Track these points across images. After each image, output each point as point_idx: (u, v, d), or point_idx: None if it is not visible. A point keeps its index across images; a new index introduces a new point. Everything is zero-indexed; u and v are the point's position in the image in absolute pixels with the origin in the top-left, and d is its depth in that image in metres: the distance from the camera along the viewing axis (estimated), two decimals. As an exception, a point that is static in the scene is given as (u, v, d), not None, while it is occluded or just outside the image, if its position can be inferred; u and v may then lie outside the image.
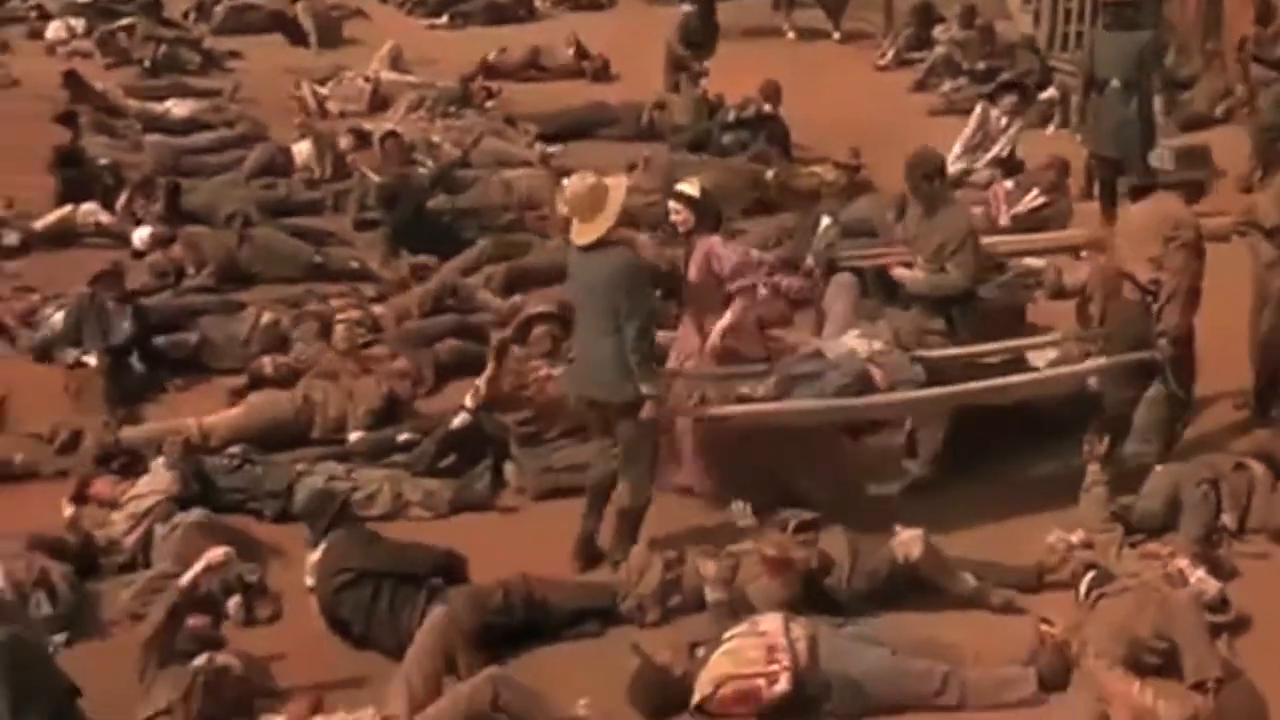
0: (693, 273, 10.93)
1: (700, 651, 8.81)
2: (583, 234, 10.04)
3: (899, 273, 12.02)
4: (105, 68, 23.95)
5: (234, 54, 25.08)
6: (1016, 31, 23.51)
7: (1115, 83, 15.83)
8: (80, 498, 10.83)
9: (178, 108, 21.02)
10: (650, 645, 9.05)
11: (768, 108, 18.93)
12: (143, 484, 10.81)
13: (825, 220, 14.67)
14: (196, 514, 10.32)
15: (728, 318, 10.91)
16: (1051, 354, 12.20)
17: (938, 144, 17.37)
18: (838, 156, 17.41)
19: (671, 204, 11.26)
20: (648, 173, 16.62)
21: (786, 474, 10.64)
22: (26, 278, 15.43)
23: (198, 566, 9.04)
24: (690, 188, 11.17)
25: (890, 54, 24.29)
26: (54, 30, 26.28)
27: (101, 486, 11.02)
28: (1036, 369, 11.93)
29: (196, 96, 21.74)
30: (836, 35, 26.10)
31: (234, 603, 9.67)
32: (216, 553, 9.15)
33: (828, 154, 18.30)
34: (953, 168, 17.60)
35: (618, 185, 10.22)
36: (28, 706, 7.79)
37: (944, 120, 20.37)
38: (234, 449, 11.40)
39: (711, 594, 9.42)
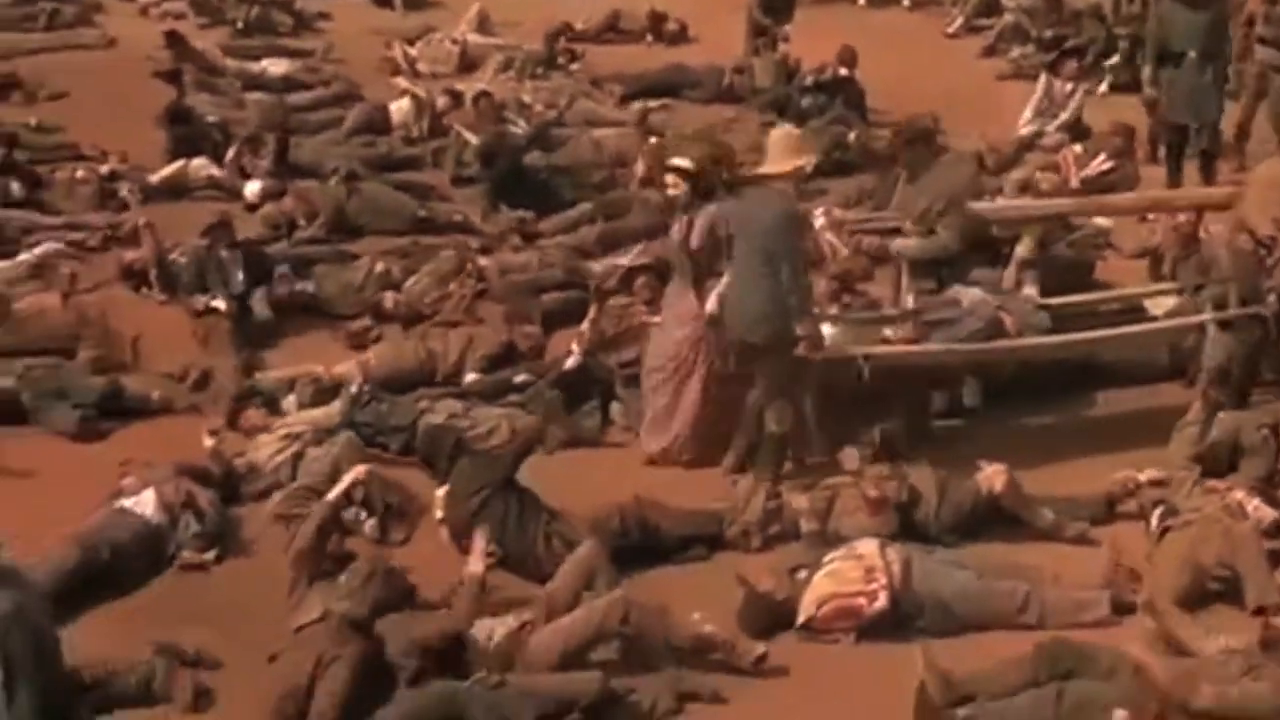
0: (695, 240, 11.51)
1: (802, 575, 9.62)
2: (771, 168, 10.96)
3: (892, 243, 12.53)
4: (199, 28, 24.64)
5: (323, 15, 25.76)
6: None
7: (1191, 54, 16.47)
8: (231, 426, 11.72)
9: (274, 67, 21.78)
10: (752, 570, 9.86)
11: (844, 72, 19.63)
12: (292, 415, 11.68)
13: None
14: (347, 435, 11.12)
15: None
16: (1168, 303, 12.86)
17: (1006, 109, 18.28)
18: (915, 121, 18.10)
19: (668, 177, 12.00)
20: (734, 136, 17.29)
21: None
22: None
23: (346, 480, 9.93)
24: (685, 161, 11.78)
25: (959, 21, 24.89)
26: (141, -12, 27.07)
27: (254, 416, 11.87)
28: (1155, 318, 12.64)
29: (290, 56, 22.51)
30: (906, 2, 26.70)
31: (371, 523, 10.48)
32: (360, 469, 10.01)
33: (902, 117, 18.98)
34: (1023, 131, 18.45)
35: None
36: (19, 682, 8.13)
37: (1012, 85, 21.02)
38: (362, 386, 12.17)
39: (806, 525, 10.26)
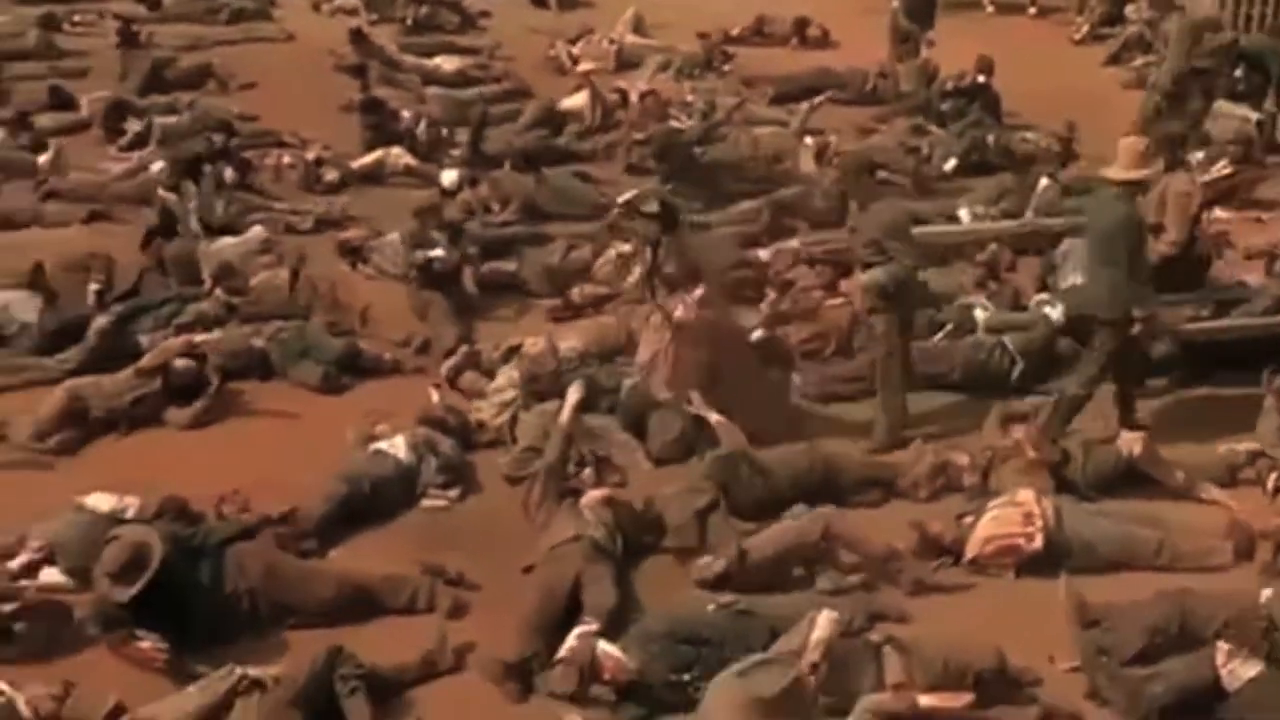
0: (669, 266, 13.00)
1: (968, 520, 11.20)
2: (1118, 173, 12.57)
3: (859, 278, 13.32)
4: (369, 24, 26.30)
5: (484, 14, 27.47)
6: (1203, 12, 25.28)
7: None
8: (451, 388, 13.41)
9: (446, 63, 23.50)
10: (920, 516, 11.46)
11: (981, 79, 21.11)
12: (501, 380, 13.33)
13: (1044, 181, 16.98)
14: (555, 404, 12.76)
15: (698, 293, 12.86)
16: None
17: (1130, 114, 19.65)
18: (1047, 124, 19.62)
19: (640, 224, 13.71)
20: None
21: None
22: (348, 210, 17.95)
23: (563, 435, 11.60)
24: (649, 205, 13.51)
25: (1085, 29, 26.31)
26: (318, -13, 28.86)
27: (471, 379, 13.54)
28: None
29: (460, 53, 24.20)
30: (1033, 10, 28.14)
31: (587, 472, 12.09)
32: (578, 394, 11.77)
33: (1034, 121, 20.54)
34: (1150, 137, 19.85)
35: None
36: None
37: (1136, 93, 22.31)
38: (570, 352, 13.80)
39: (969, 479, 11.87)
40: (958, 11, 27.27)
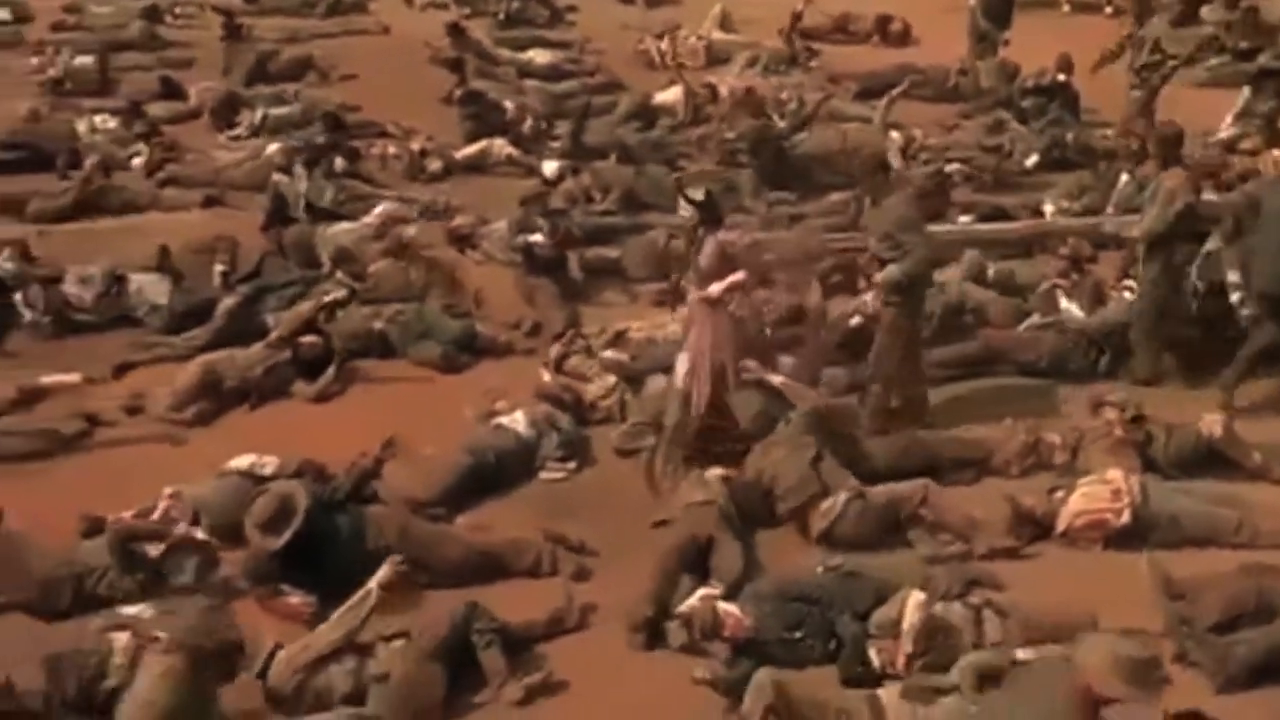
0: (704, 260, 13.09)
1: (1059, 495, 11.88)
2: None
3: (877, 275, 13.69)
4: (461, 18, 27.02)
5: (571, 9, 28.20)
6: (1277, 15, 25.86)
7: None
8: (559, 370, 14.16)
9: (539, 57, 24.24)
10: (1014, 490, 12.15)
11: (1061, 77, 21.70)
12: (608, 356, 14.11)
13: (1124, 177, 17.63)
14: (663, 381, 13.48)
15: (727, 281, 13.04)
16: None
17: (1203, 114, 20.24)
18: (1123, 123, 20.25)
19: (682, 204, 14.22)
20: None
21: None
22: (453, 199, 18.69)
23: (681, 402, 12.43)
24: (696, 192, 13.60)
25: (1159, 29, 26.77)
26: (410, -20, 29.66)
27: (576, 362, 14.29)
28: None
29: (552, 47, 24.94)
30: (1108, 9, 28.61)
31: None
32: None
33: (1111, 119, 21.13)
34: (1224, 134, 20.47)
35: None
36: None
37: (1210, 92, 22.93)
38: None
39: (1059, 457, 12.57)
40: (1035, 10, 27.71)
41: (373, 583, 10.20)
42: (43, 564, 11.07)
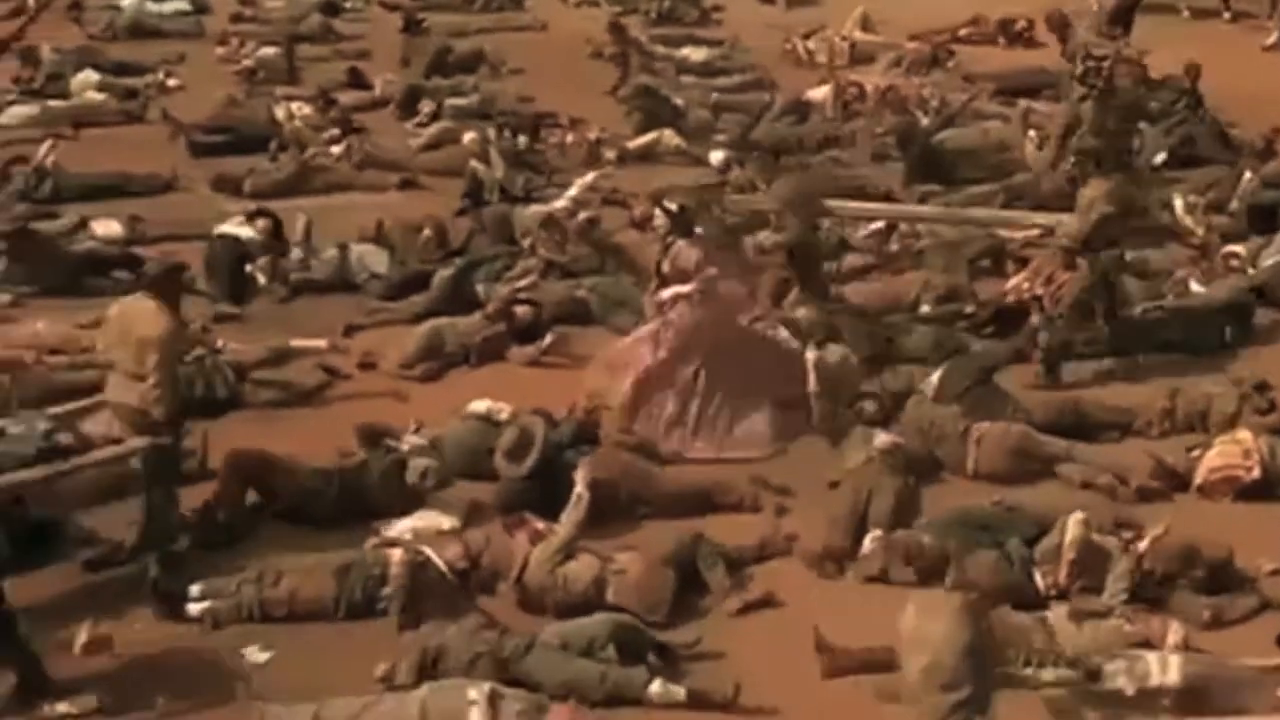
0: (666, 266, 14.86)
1: (1195, 453, 13.53)
2: None
3: None
4: (613, 14, 28.75)
5: (717, 8, 29.91)
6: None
7: None
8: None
9: (694, 54, 25.96)
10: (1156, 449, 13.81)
11: (1189, 80, 23.18)
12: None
13: (1248, 174, 19.20)
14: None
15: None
16: None
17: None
18: (1246, 124, 21.76)
19: (656, 211, 15.73)
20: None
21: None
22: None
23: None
24: (671, 203, 15.42)
25: (1276, 35, 28.16)
26: (562, -22, 31.49)
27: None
28: None
29: (705, 45, 26.65)
30: (1227, 15, 29.98)
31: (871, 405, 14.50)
32: None
33: (1233, 121, 22.64)
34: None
35: None
36: None
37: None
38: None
39: (1193, 420, 14.22)
40: (1154, 14, 28.84)
41: (580, 487, 11.95)
42: (306, 478, 12.98)
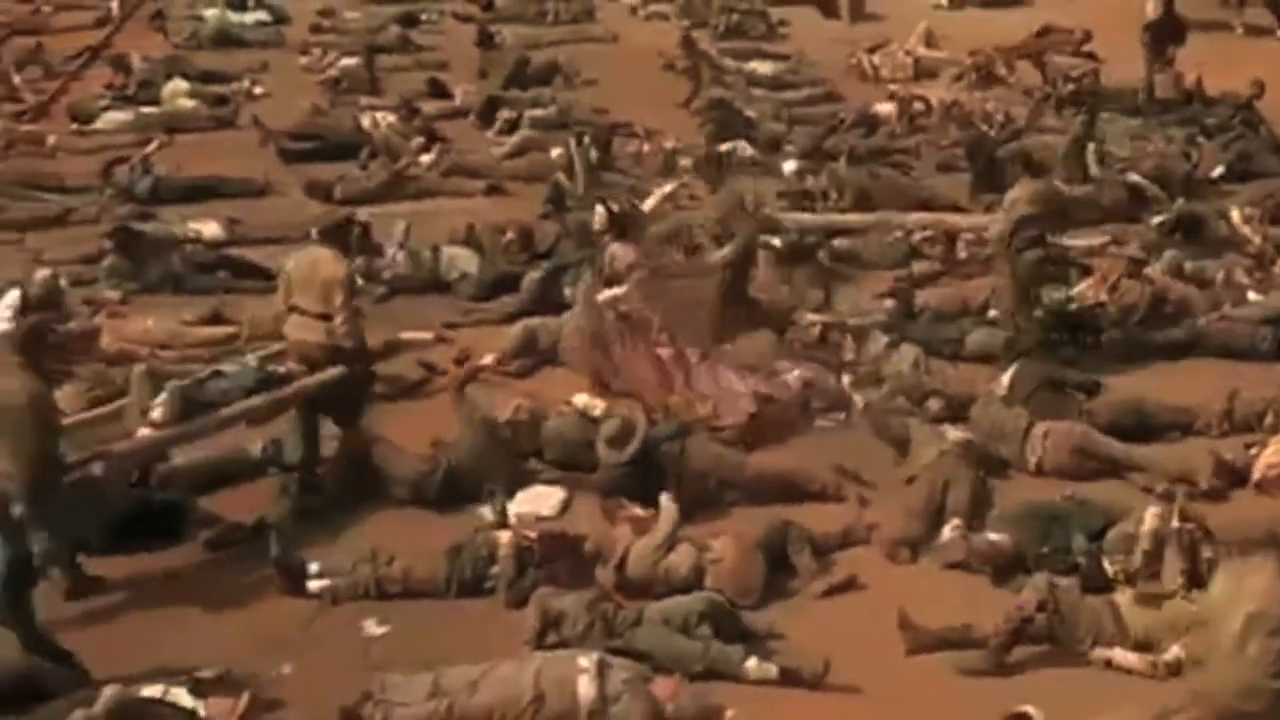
0: (606, 265, 16.12)
1: (1253, 450, 14.25)
2: None
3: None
4: (680, 28, 29.60)
5: (783, 23, 30.71)
6: None
7: None
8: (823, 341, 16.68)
9: (762, 67, 26.77)
10: (1217, 447, 14.51)
11: (1248, 96, 23.87)
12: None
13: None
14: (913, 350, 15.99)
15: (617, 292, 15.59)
16: None
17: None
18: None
19: (598, 209, 16.82)
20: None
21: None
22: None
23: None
24: (614, 204, 16.67)
25: (1329, 52, 28.87)
26: (630, -9, 32.40)
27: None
28: None
29: (773, 59, 27.46)
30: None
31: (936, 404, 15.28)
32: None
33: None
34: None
35: None
36: None
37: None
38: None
39: (1251, 421, 14.92)
40: (1208, 32, 29.64)
41: (666, 500, 12.76)
42: (414, 465, 13.80)
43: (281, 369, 13.59)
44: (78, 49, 29.01)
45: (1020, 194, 16.39)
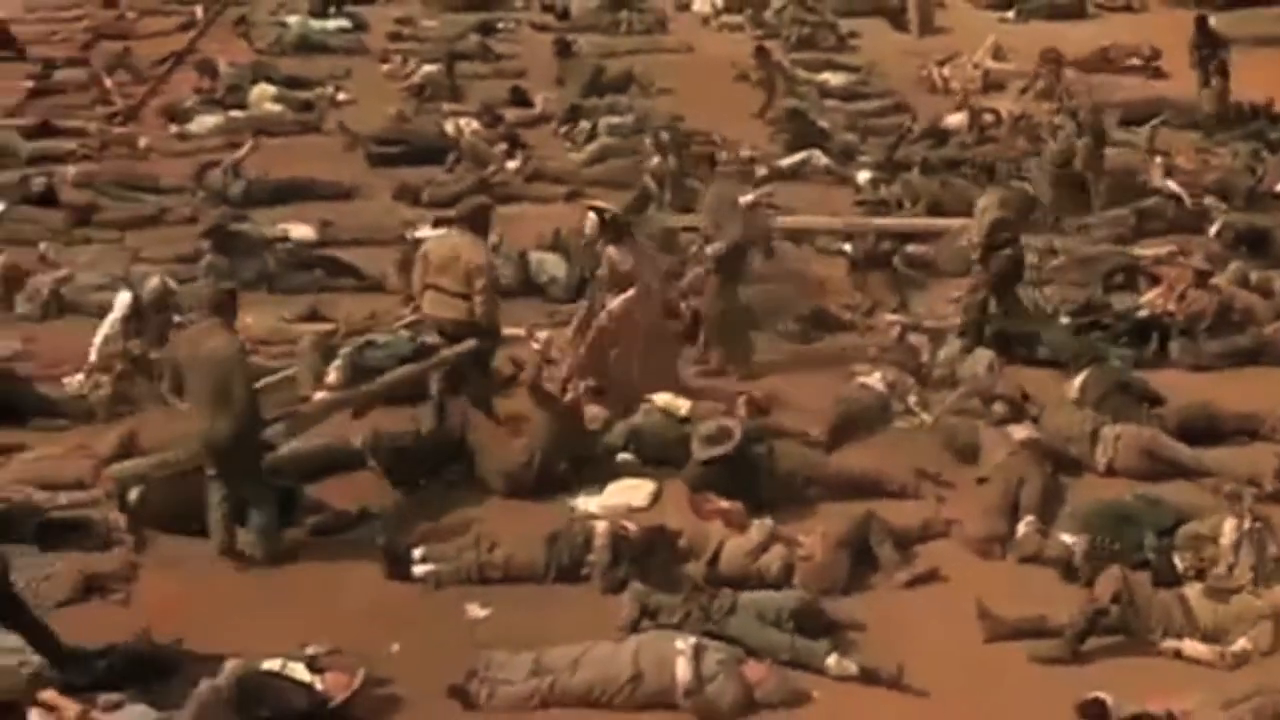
0: (603, 269, 16.39)
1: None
2: None
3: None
4: (753, 38, 30.25)
5: (853, 35, 31.29)
6: None
7: None
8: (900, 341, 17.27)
9: (834, 79, 27.36)
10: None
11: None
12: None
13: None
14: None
15: (617, 303, 15.77)
16: None
17: None
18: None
19: (590, 214, 17.29)
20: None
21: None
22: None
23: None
24: (606, 207, 16.98)
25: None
26: (700, 4, 32.94)
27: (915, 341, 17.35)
28: None
29: (844, 70, 28.05)
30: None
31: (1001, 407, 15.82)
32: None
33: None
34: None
35: None
36: None
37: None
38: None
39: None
40: (1269, 48, 30.11)
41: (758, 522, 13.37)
42: (511, 456, 14.50)
43: (427, 340, 15.26)
44: (163, 54, 29.73)
45: (989, 201, 17.65)
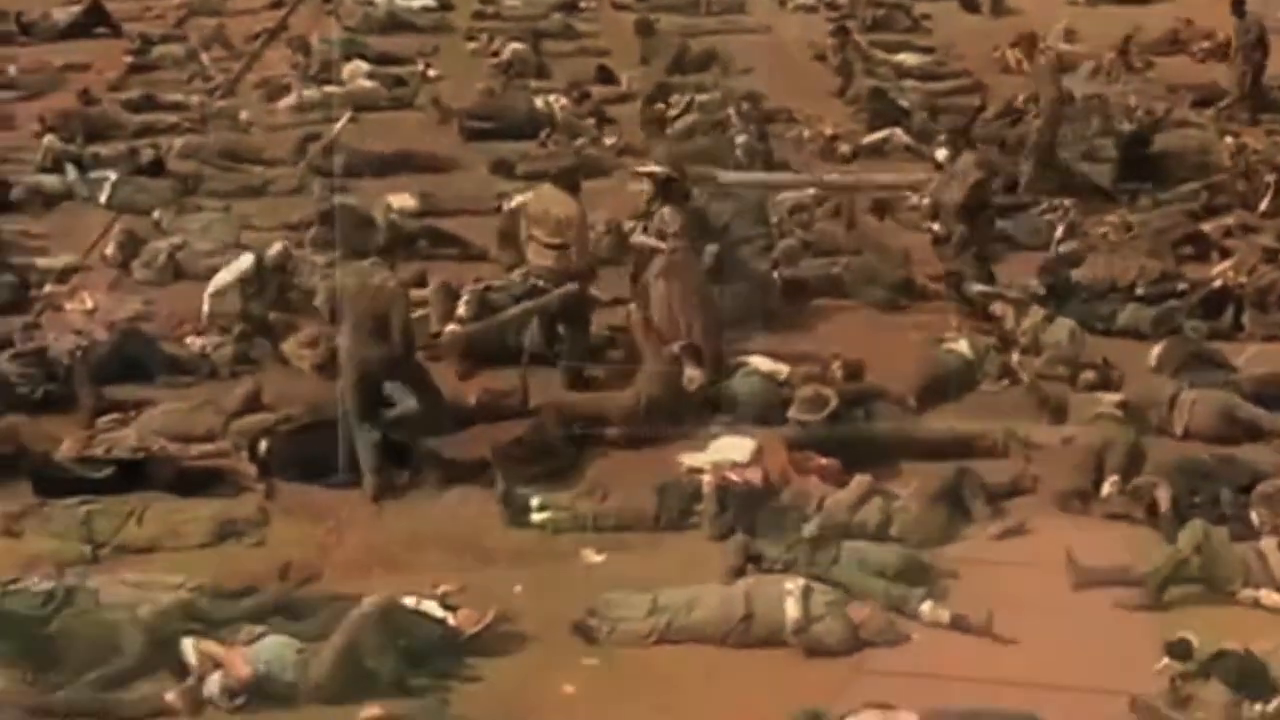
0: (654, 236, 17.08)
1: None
2: None
3: None
4: (828, 20, 30.95)
5: (925, 17, 31.92)
6: None
7: None
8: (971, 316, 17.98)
9: (909, 59, 28.03)
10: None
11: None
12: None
13: None
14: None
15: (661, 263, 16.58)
16: None
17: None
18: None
19: (644, 179, 17.90)
20: None
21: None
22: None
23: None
24: (654, 167, 17.77)
25: None
26: (776, -14, 33.74)
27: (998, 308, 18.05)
28: None
29: (918, 51, 28.73)
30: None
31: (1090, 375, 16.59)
32: None
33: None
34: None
35: None
36: None
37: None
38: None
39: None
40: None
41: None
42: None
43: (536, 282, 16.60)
44: (255, 31, 30.61)
45: (965, 164, 18.67)
